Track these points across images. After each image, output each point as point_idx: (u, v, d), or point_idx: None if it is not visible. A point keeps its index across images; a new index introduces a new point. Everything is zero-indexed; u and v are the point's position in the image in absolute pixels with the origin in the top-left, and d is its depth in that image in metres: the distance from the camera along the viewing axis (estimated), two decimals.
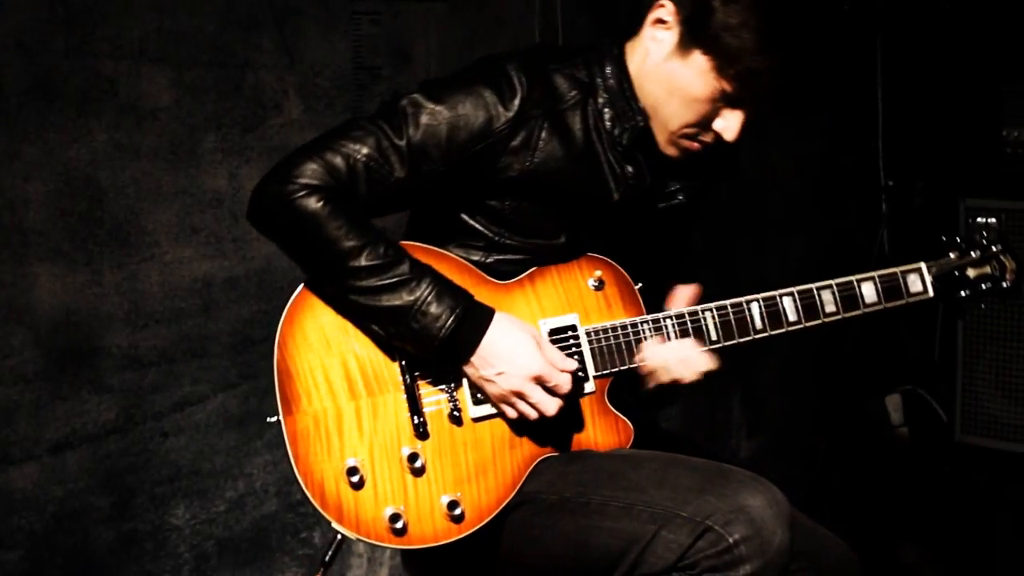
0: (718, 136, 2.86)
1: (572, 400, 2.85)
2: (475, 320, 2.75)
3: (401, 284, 2.71)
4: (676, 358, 2.94)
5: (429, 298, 2.71)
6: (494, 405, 2.82)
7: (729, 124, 2.84)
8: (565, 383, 2.79)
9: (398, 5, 4.09)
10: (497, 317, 2.78)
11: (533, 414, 2.77)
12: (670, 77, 2.82)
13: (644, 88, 2.88)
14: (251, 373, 3.78)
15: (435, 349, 2.73)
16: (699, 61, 2.77)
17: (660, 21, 2.83)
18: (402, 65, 4.11)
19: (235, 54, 3.68)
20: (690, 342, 2.96)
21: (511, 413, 2.79)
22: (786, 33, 2.76)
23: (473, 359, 2.76)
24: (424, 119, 2.79)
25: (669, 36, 2.82)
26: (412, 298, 2.70)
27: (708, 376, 2.97)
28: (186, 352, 3.65)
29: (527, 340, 2.78)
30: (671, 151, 2.93)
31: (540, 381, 2.77)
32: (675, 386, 2.98)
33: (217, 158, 3.66)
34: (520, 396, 2.76)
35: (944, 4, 5.56)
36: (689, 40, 2.78)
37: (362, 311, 2.75)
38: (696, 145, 2.90)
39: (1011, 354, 5.23)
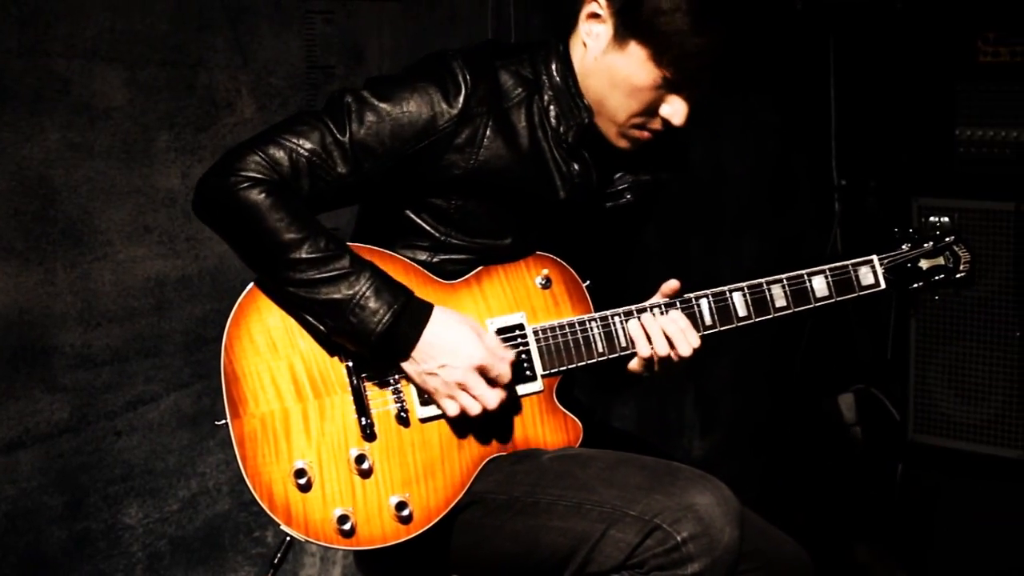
0: (666, 122, 2.89)
1: (513, 394, 2.88)
2: (414, 316, 2.78)
3: (340, 278, 2.73)
4: (674, 329, 2.96)
5: (368, 292, 2.73)
6: (436, 404, 2.84)
7: (676, 108, 2.87)
8: (507, 373, 2.81)
9: (351, 4, 4.13)
10: (437, 312, 2.80)
11: (475, 408, 2.78)
12: (610, 70, 2.86)
13: (587, 84, 2.92)
14: (204, 372, 3.80)
15: (371, 344, 2.75)
16: (636, 51, 2.81)
17: (593, 15, 2.87)
18: (355, 64, 4.16)
19: (188, 53, 3.70)
20: (685, 319, 2.98)
21: (452, 409, 2.80)
22: (719, 10, 2.78)
23: (413, 354, 2.78)
24: (368, 116, 2.82)
25: (604, 29, 2.85)
26: (351, 292, 2.73)
27: (698, 354, 2.98)
28: (139, 351, 3.67)
29: (468, 332, 2.81)
30: (622, 143, 2.96)
31: (483, 371, 2.78)
32: (662, 366, 2.99)
33: (170, 157, 3.69)
34: (463, 388, 2.78)
35: (897, 3, 5.61)
36: (623, 31, 2.81)
37: (301, 304, 2.77)
38: (646, 134, 2.93)
39: (964, 353, 5.27)
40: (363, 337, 2.75)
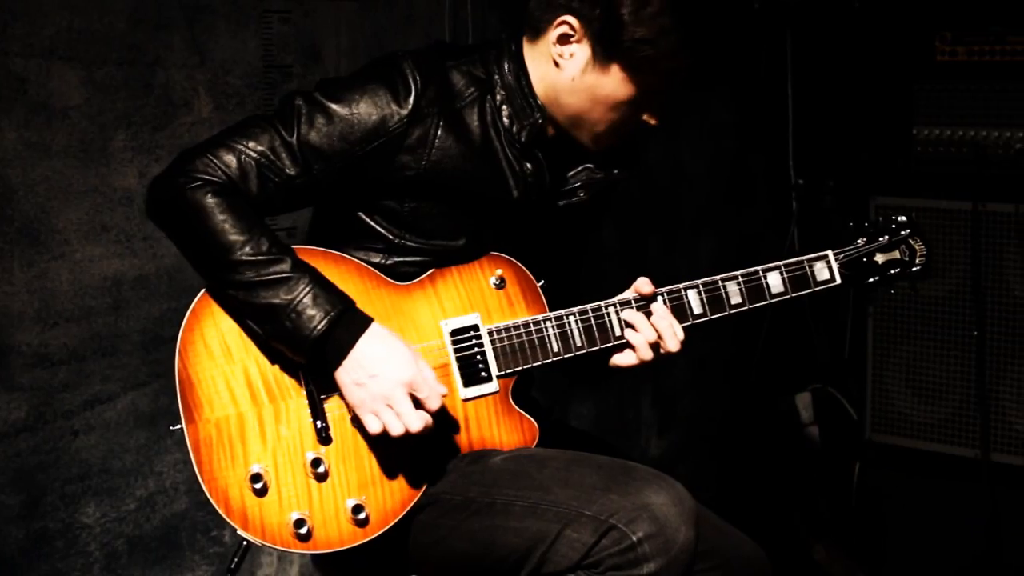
0: (644, 123, 2.98)
1: (439, 422, 2.88)
2: (350, 325, 2.80)
3: (279, 282, 2.76)
4: (664, 324, 3.02)
5: (305, 299, 2.76)
6: (354, 420, 2.85)
7: (656, 112, 2.96)
8: (435, 398, 2.81)
9: (308, 4, 4.15)
10: (375, 326, 2.82)
11: (397, 427, 2.78)
12: (591, 89, 2.92)
13: (565, 101, 2.96)
14: (161, 371, 3.81)
15: (305, 350, 2.78)
16: (619, 72, 2.88)
17: (565, 37, 2.92)
18: (312, 64, 4.18)
19: (145, 52, 3.72)
20: (670, 313, 3.04)
21: (373, 426, 2.79)
22: (700, 29, 2.87)
23: (345, 362, 2.79)
24: (318, 118, 2.86)
25: (580, 51, 2.91)
26: (289, 297, 2.76)
27: (686, 347, 3.04)
28: (96, 351, 3.69)
29: (403, 350, 2.82)
30: (598, 147, 3.04)
31: (412, 389, 2.79)
32: (649, 360, 3.05)
33: (127, 156, 3.70)
34: (388, 404, 2.78)
35: (855, 3, 5.66)
36: (605, 55, 2.88)
37: (240, 307, 2.82)
38: (623, 138, 3.02)
39: (920, 352, 5.35)
40: (297, 343, 2.78)
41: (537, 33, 2.99)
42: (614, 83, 2.90)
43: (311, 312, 2.76)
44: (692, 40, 2.86)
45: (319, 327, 2.76)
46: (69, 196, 3.59)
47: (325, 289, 2.80)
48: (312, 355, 2.80)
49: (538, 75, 3.00)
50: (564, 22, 2.91)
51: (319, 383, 2.88)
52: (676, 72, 2.89)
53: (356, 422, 2.87)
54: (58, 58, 3.52)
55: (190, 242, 2.84)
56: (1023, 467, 5.13)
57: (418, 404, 2.81)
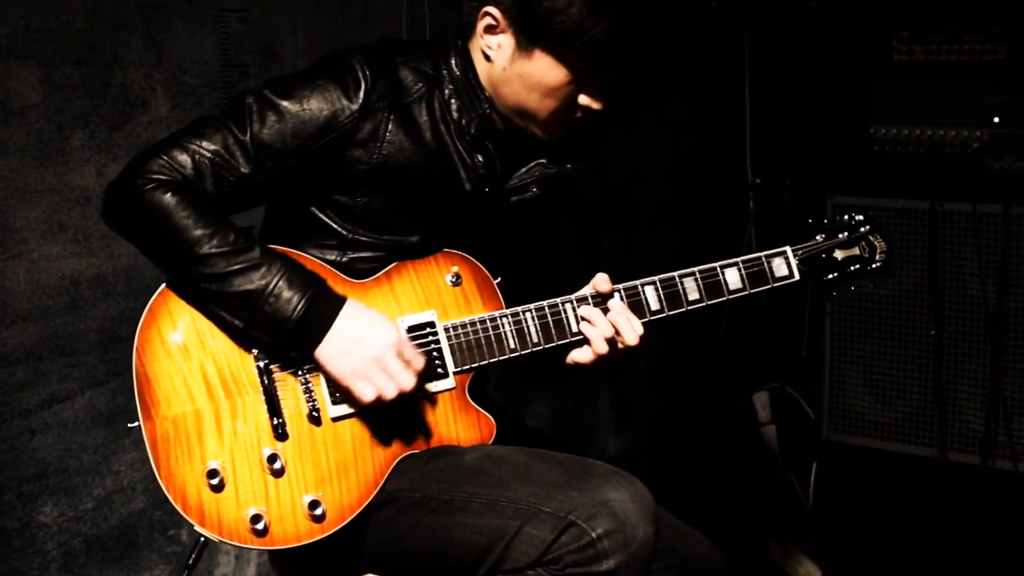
0: (587, 108, 3.01)
1: (425, 389, 2.97)
2: (328, 302, 2.86)
3: (252, 268, 2.82)
4: (621, 319, 3.06)
5: (281, 281, 2.82)
6: (349, 401, 2.91)
7: (593, 95, 3.00)
8: (419, 358, 2.89)
9: (266, 2, 4.19)
10: (350, 301, 2.89)
11: (391, 389, 2.85)
12: (522, 77, 2.98)
13: (502, 92, 3.03)
14: (119, 371, 3.84)
15: (288, 331, 2.83)
16: (542, 56, 2.93)
17: (491, 28, 2.99)
18: (269, 63, 4.22)
19: (103, 51, 3.75)
20: (627, 308, 3.09)
21: (368, 393, 2.84)
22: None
23: (328, 337, 2.84)
24: (270, 115, 2.91)
25: (506, 40, 2.98)
26: (264, 282, 2.81)
27: (643, 341, 3.08)
28: (54, 350, 3.71)
29: (381, 318, 2.91)
30: (547, 136, 3.08)
31: (397, 353, 2.86)
32: (606, 356, 3.08)
33: (85, 155, 3.73)
34: (380, 366, 2.84)
35: (811, 2, 5.70)
36: (525, 40, 2.94)
37: (214, 299, 2.85)
38: (569, 124, 3.06)
39: (878, 352, 5.38)
40: (279, 326, 2.83)
41: (471, 28, 3.06)
42: (542, 68, 2.95)
43: (288, 294, 2.82)
44: (603, 5, 2.86)
45: (299, 307, 2.82)
46: (26, 195, 3.62)
47: (298, 271, 2.87)
48: (293, 336, 2.85)
49: (480, 69, 3.07)
50: (487, 13, 2.99)
51: (276, 378, 2.92)
52: (595, 45, 2.89)
53: (313, 418, 2.92)
54: (15, 57, 3.55)
55: (155, 243, 2.88)
56: (980, 466, 5.19)
57: (406, 363, 2.88)
